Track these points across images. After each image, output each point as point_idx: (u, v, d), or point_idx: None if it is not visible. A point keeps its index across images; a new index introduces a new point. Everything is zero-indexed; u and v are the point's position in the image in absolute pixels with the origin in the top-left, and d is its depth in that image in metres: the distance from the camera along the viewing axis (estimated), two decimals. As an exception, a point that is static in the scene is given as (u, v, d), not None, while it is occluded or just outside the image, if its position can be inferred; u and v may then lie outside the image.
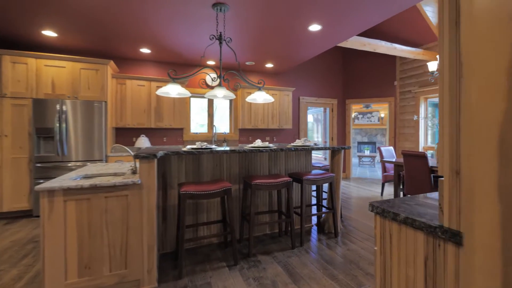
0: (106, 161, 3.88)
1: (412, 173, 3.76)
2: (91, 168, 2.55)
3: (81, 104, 3.74)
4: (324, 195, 4.41)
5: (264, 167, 3.07)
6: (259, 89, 3.06)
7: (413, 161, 3.73)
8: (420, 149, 5.62)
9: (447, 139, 0.94)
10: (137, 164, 2.68)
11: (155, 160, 2.05)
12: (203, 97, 5.42)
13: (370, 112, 11.81)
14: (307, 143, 3.04)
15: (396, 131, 6.17)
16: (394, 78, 6.17)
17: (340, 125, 6.73)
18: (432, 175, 3.57)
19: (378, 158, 9.54)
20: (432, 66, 3.80)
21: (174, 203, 2.62)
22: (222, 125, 5.77)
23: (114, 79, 4.24)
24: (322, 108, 9.24)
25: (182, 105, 4.67)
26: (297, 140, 3.16)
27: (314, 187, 4.02)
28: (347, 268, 2.32)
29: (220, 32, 2.84)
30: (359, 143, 12.16)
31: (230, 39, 2.90)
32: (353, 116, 12.13)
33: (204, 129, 5.51)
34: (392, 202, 1.28)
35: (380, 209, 1.22)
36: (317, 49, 4.30)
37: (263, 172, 3.07)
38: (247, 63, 5.11)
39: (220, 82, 2.84)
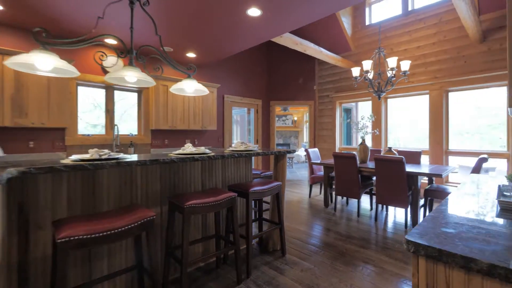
0: None
1: (342, 174, 3.80)
2: None
3: None
4: (264, 205, 3.96)
5: (195, 180, 2.32)
6: (189, 76, 2.30)
7: (343, 162, 3.76)
8: (337, 150, 6.03)
9: None
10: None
11: (-8, 188, 1.03)
12: (99, 86, 4.06)
13: (285, 115, 12.46)
14: (250, 148, 2.49)
15: (316, 133, 6.46)
16: (314, 83, 6.45)
17: (265, 126, 6.55)
18: (358, 175, 3.67)
19: (295, 159, 10.05)
20: (356, 72, 3.97)
21: (45, 254, 1.55)
22: (126, 125, 4.52)
23: None
24: (244, 109, 8.96)
25: (63, 95, 3.27)
26: (235, 143, 2.56)
27: (249, 197, 3.52)
28: (309, 300, 1.89)
29: (130, -13, 1.93)
30: (276, 145, 12.65)
31: (147, 1, 2.02)
32: (269, 118, 12.51)
33: (99, 130, 4.13)
34: (431, 232, 0.86)
35: (433, 250, 0.76)
36: (252, 39, 3.82)
37: (194, 187, 2.31)
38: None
39: (131, 60, 1.93)
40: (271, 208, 2.79)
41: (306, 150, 4.83)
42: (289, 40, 4.03)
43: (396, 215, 3.80)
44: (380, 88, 3.90)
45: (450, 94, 4.50)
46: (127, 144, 4.15)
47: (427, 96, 4.73)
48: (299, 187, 5.78)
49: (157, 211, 2.05)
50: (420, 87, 4.71)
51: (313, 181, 4.71)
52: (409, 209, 3.78)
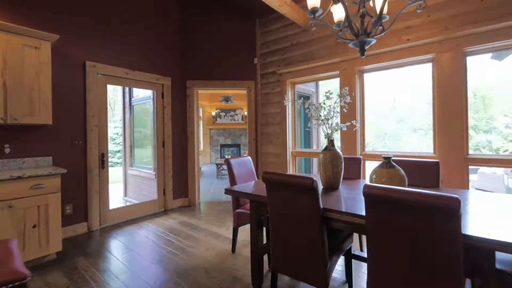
0: None
1: (285, 228, 1.60)
2: None
3: None
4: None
5: None
6: None
7: (285, 197, 1.56)
8: (288, 156, 3.90)
9: None
10: None
11: None
12: None
13: (234, 110, 10.19)
14: None
15: (258, 131, 4.27)
16: (254, 54, 4.24)
17: (178, 120, 4.15)
18: (324, 229, 1.50)
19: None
20: (313, -3, 1.82)
21: None
22: None
23: None
24: (149, 94, 6.41)
25: None
26: None
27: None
28: None
29: None
30: (222, 146, 10.30)
31: None
32: (214, 113, 10.13)
33: None
34: None
35: None
36: None
37: None
38: None
39: None
40: None
41: (226, 161, 2.56)
42: None
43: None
44: (364, 30, 1.78)
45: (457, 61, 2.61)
46: None
47: (429, 66, 2.81)
48: (225, 223, 3.50)
49: None
50: (418, 48, 2.76)
51: (239, 221, 2.46)
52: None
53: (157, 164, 3.88)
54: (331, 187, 1.95)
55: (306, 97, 5.30)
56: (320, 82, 5.31)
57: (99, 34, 3.22)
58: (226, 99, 7.67)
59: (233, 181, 2.49)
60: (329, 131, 1.95)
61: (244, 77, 4.23)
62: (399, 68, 3.00)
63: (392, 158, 1.73)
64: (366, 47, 1.81)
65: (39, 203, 2.28)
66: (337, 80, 3.47)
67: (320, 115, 2.00)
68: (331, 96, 1.94)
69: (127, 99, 5.14)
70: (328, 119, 2.03)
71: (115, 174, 8.72)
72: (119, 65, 3.41)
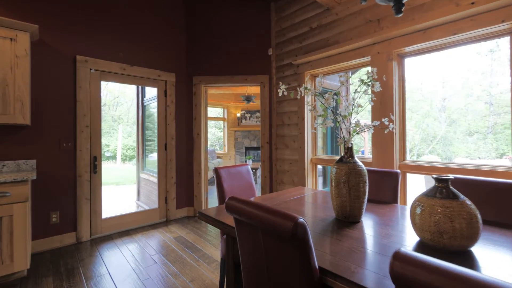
0: None
1: (261, 285, 1.01)
2: None
3: None
4: None
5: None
6: None
7: (260, 242, 0.97)
8: (307, 163, 3.23)
9: None
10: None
11: None
12: None
13: (259, 111, 9.68)
14: None
15: (273, 132, 3.67)
16: (269, 44, 3.67)
17: (183, 120, 3.75)
18: None
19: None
20: None
21: None
22: None
23: None
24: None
25: None
26: None
27: None
28: None
29: None
30: (247, 148, 9.84)
31: None
32: (239, 115, 9.73)
33: None
34: None
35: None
36: None
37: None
38: None
39: None
40: None
41: (215, 171, 2.03)
42: None
43: None
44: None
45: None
46: None
47: (506, 41, 1.95)
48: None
49: None
50: (487, 16, 1.92)
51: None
52: None
53: (158, 168, 3.52)
54: (348, 219, 1.29)
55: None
56: (351, 78, 4.52)
57: (92, 26, 2.95)
58: (248, 99, 7.19)
59: (222, 197, 1.95)
60: (344, 137, 1.30)
61: (257, 71, 3.67)
62: (456, 47, 2.17)
63: (452, 179, 1.02)
64: (404, 0, 1.13)
65: (2, 214, 2.00)
66: (368, 69, 2.72)
67: (330, 110, 1.35)
68: (344, 81, 1.28)
69: (140, 99, 4.95)
70: (345, 117, 1.38)
71: (132, 174, 8.77)
72: (115, 59, 3.10)
